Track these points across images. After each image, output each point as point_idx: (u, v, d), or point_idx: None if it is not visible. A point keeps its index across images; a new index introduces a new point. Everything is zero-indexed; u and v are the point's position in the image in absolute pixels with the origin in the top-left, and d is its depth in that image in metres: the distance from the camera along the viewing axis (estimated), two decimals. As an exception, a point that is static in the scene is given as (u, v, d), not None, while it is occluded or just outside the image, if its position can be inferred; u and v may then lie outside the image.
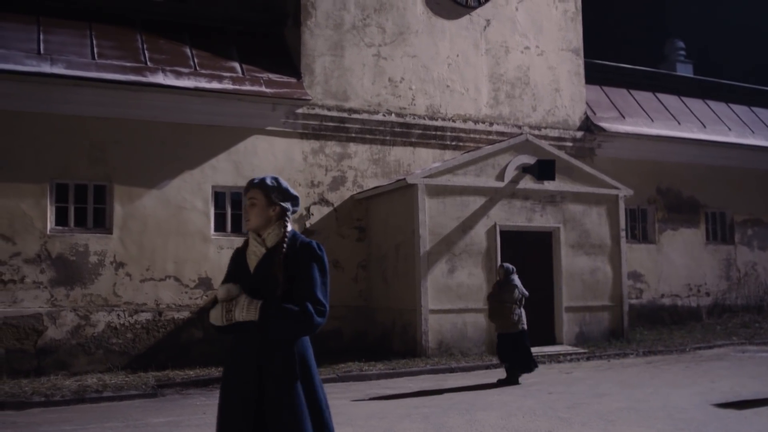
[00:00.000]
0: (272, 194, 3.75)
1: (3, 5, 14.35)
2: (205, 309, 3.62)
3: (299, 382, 3.57)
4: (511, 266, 11.91)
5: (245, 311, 3.58)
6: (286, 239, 3.68)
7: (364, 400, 10.19)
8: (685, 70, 24.91)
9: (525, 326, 11.51)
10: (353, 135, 16.00)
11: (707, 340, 16.56)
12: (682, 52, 25.84)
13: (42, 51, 13.93)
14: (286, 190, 3.80)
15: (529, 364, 11.36)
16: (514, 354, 11.32)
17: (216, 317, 3.68)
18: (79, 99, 13.88)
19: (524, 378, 11.70)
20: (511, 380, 11.31)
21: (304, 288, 3.58)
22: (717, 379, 11.33)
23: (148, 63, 14.65)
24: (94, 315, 13.72)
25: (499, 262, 14.87)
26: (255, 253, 3.75)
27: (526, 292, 11.79)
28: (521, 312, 11.55)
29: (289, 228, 3.77)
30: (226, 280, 3.80)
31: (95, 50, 14.46)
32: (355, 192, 15.84)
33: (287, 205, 3.80)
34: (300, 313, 3.50)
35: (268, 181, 3.78)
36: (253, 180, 3.82)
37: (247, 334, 3.65)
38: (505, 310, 11.42)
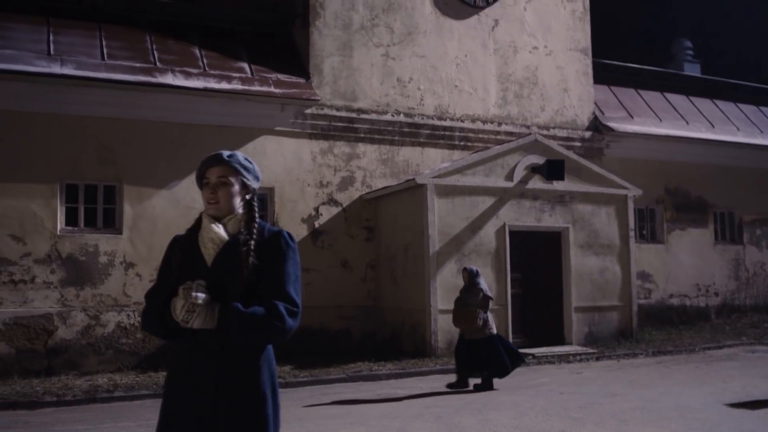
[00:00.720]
0: (248, 176, 3.23)
1: (13, 6, 14.38)
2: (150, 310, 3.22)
3: (265, 405, 3.04)
4: (475, 269, 11.53)
5: (206, 319, 2.98)
6: (255, 226, 3.15)
7: (375, 400, 10.19)
8: (692, 70, 24.87)
9: (493, 330, 11.08)
10: (362, 135, 16.01)
11: (717, 340, 16.53)
12: (690, 52, 25.81)
13: (52, 52, 13.96)
14: (257, 172, 3.30)
15: (502, 368, 10.82)
16: (474, 360, 10.81)
17: (180, 313, 2.99)
18: (88, 100, 13.90)
19: (535, 378, 11.70)
20: (486, 386, 10.82)
21: (275, 284, 3.06)
22: (728, 379, 11.31)
23: (158, 64, 14.67)
24: (104, 315, 13.75)
25: (508, 263, 14.87)
26: (213, 241, 3.14)
27: (491, 295, 11.38)
28: (488, 316, 11.07)
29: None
30: (168, 272, 3.20)
31: (105, 51, 14.49)
32: (363, 192, 15.85)
33: (256, 186, 3.29)
34: (270, 317, 2.96)
35: (242, 160, 3.23)
36: (220, 154, 3.21)
37: (203, 338, 3.05)
38: (470, 315, 10.95)
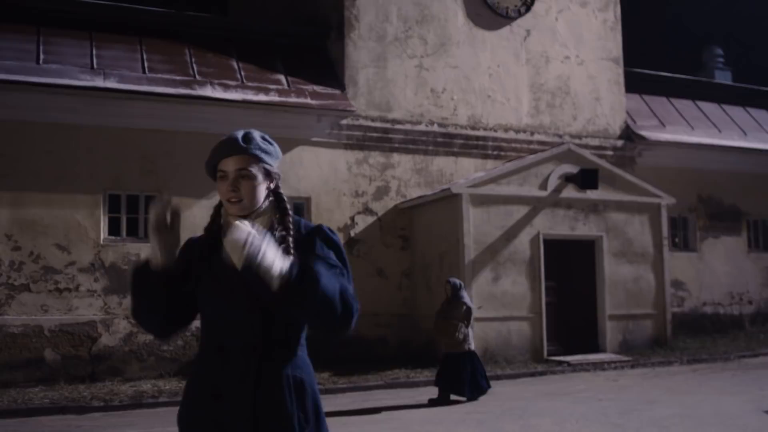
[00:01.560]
0: (271, 162, 2.68)
1: (58, 22, 14.76)
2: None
3: None
4: (458, 281, 11.12)
5: (278, 257, 2.39)
6: (290, 220, 2.66)
7: (415, 406, 10.37)
8: (723, 77, 24.82)
9: (472, 346, 10.73)
10: (396, 145, 16.22)
11: (751, 349, 16.52)
12: (721, 59, 25.76)
13: (95, 66, 14.33)
14: (278, 152, 2.73)
15: (473, 389, 10.43)
16: (455, 377, 10.34)
17: (237, 246, 2.37)
18: (130, 112, 14.25)
19: (572, 385, 11.80)
20: (442, 399, 10.44)
21: None
22: (765, 386, 11.36)
23: (197, 76, 15.00)
24: (146, 323, 14.01)
25: (543, 271, 15.00)
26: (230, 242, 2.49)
27: (474, 307, 11.10)
28: (468, 331, 10.70)
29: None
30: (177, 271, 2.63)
31: (146, 64, 14.84)
32: (398, 201, 16.05)
33: (279, 171, 2.74)
34: (342, 294, 2.44)
35: (261, 143, 2.67)
36: (235, 140, 2.63)
37: (234, 345, 2.55)
38: (451, 328, 10.54)
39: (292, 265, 2.41)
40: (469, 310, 10.70)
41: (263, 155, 2.65)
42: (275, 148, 2.72)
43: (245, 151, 2.62)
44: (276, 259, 2.38)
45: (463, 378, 10.34)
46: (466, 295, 10.95)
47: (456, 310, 10.63)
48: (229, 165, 2.63)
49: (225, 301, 2.59)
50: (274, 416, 2.52)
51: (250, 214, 2.64)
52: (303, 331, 2.64)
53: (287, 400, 2.53)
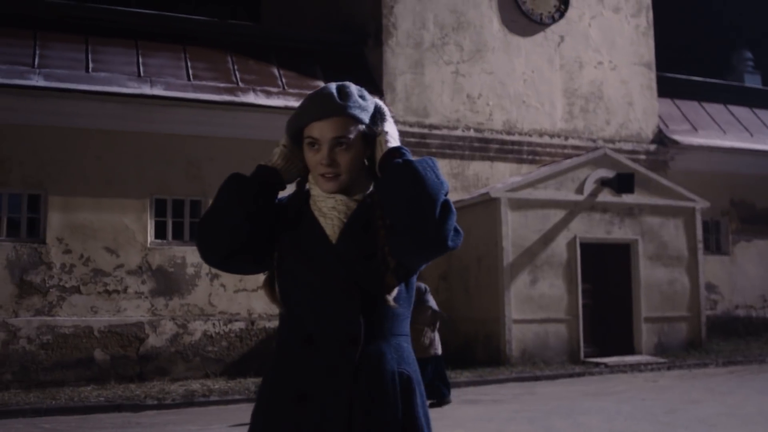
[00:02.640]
0: (368, 121, 2.22)
1: (104, 31, 15.17)
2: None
3: None
4: (423, 286, 10.67)
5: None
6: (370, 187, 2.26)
7: (463, 404, 10.63)
8: (753, 81, 24.90)
9: (438, 351, 10.43)
10: (434, 150, 16.49)
11: (786, 351, 16.65)
12: (751, 63, 25.84)
13: (142, 74, 14.72)
14: (377, 105, 2.28)
15: (439, 395, 10.17)
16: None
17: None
18: (176, 119, 14.62)
19: (612, 386, 12.03)
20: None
21: None
22: (805, 387, 11.54)
23: (240, 83, 15.35)
24: (191, 324, 14.40)
25: (579, 274, 15.21)
26: (337, 209, 2.21)
27: (440, 311, 10.75)
28: (435, 336, 10.44)
29: None
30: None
31: (190, 72, 15.22)
32: (435, 205, 16.28)
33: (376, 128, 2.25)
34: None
35: (359, 99, 2.21)
36: (331, 97, 2.18)
37: (326, 335, 2.15)
38: (416, 333, 9.80)
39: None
40: (435, 314, 10.39)
41: (363, 115, 2.19)
42: (371, 101, 2.26)
43: (343, 111, 2.16)
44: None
45: (435, 383, 10.06)
46: (431, 299, 10.63)
47: (421, 314, 10.14)
48: (324, 131, 2.16)
49: (316, 279, 2.15)
50: (375, 422, 2.08)
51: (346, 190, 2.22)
52: (407, 318, 2.26)
53: (392, 402, 2.09)
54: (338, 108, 2.15)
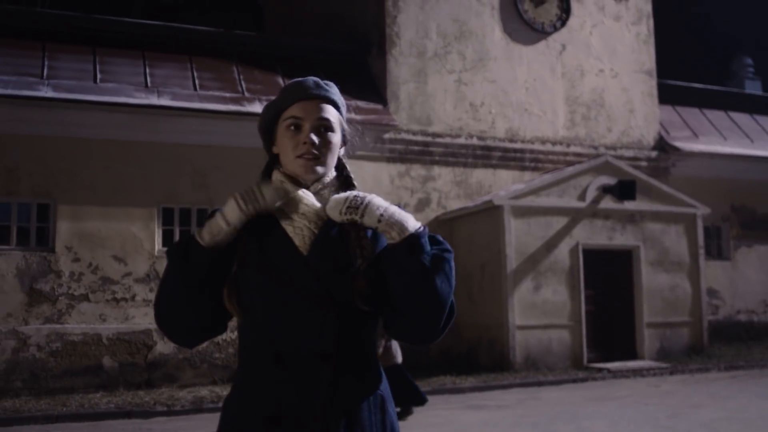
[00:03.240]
0: (344, 120, 2.22)
1: (111, 42, 15.37)
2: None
3: None
4: None
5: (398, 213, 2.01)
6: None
7: (468, 410, 10.79)
8: (753, 87, 25.06)
9: (398, 360, 10.00)
10: (437, 158, 16.68)
11: (787, 356, 16.79)
12: (751, 69, 26.01)
13: (149, 84, 14.91)
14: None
15: (406, 405, 9.78)
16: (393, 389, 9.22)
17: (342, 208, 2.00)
18: (183, 128, 14.80)
19: (615, 391, 12.17)
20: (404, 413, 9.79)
21: None
22: (806, 392, 11.69)
23: (245, 93, 15.54)
24: (199, 331, 14.53)
25: (582, 280, 15.37)
26: (307, 218, 2.07)
27: None
28: (392, 345, 9.96)
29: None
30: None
31: (196, 82, 15.41)
32: (439, 213, 16.50)
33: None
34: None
35: (337, 91, 2.22)
36: (317, 81, 2.17)
37: (298, 353, 2.00)
38: None
39: (423, 226, 2.03)
40: None
41: (342, 109, 2.19)
42: (344, 108, 2.22)
43: (328, 96, 2.14)
44: (405, 213, 2.02)
45: (399, 391, 9.31)
46: None
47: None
48: (308, 110, 2.10)
49: (286, 293, 2.00)
50: None
51: (315, 182, 2.12)
52: (375, 334, 2.14)
53: (370, 424, 2.01)
54: (323, 92, 2.13)
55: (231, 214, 2.03)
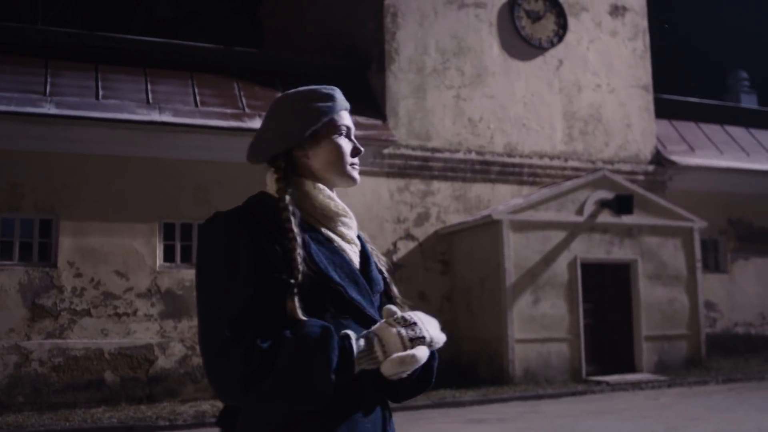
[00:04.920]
0: None
1: (113, 59, 15.53)
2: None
3: None
4: None
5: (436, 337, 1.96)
6: None
7: (468, 423, 10.88)
8: (749, 101, 25.25)
9: None
10: (436, 173, 16.82)
11: (785, 369, 16.88)
12: (746, 83, 26.21)
13: (150, 101, 15.06)
14: None
15: None
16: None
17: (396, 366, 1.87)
18: (185, 144, 14.94)
19: (614, 404, 12.25)
20: None
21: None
22: (803, 404, 11.79)
23: (246, 109, 15.70)
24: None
25: (580, 294, 15.48)
26: (351, 229, 2.11)
27: None
28: None
29: None
30: (263, 278, 1.89)
31: (198, 98, 15.56)
32: (438, 227, 16.62)
33: None
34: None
35: None
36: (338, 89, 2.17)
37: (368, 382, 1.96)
38: None
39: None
40: None
41: None
42: None
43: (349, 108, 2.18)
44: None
45: None
46: None
47: None
48: (350, 121, 2.17)
49: (363, 311, 1.98)
50: None
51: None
52: None
53: None
54: (345, 102, 2.17)
55: (392, 347, 1.88)
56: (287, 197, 1.97)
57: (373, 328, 1.90)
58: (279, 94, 2.31)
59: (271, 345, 1.78)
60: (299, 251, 1.88)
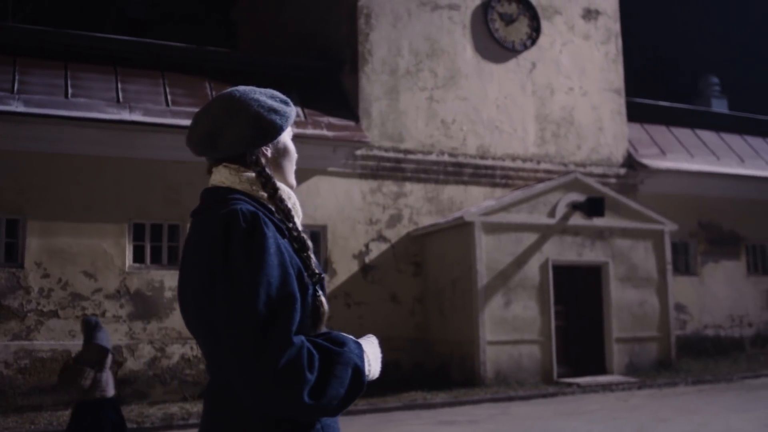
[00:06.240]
0: None
1: (83, 57, 15.35)
2: None
3: None
4: (94, 319, 8.51)
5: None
6: None
7: (439, 425, 10.86)
8: (720, 105, 25.50)
9: (108, 393, 8.05)
10: (409, 174, 16.80)
11: (753, 370, 17.02)
12: (717, 87, 26.47)
13: (121, 99, 14.90)
14: None
15: None
16: (93, 427, 7.88)
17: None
18: (155, 144, 14.79)
19: (585, 405, 12.29)
20: None
21: None
22: (770, 405, 11.89)
23: (218, 109, 15.55)
24: (169, 347, 14.51)
25: (552, 296, 15.52)
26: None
27: (109, 351, 8.19)
28: (103, 375, 8.04)
29: None
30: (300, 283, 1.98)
31: (169, 98, 15.42)
32: (411, 229, 16.60)
33: None
34: None
35: None
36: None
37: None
38: (74, 373, 7.90)
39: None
40: (103, 351, 8.11)
41: None
42: None
43: None
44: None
45: (103, 428, 7.97)
46: (102, 336, 8.37)
47: (87, 353, 8.14)
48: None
49: None
50: None
51: None
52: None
53: None
54: None
55: (375, 367, 2.06)
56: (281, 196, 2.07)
57: (365, 346, 2.02)
58: (229, 90, 2.22)
59: (321, 355, 1.86)
60: (311, 251, 2.01)
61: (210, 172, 2.22)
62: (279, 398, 1.79)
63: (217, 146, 2.13)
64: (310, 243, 2.04)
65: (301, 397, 1.79)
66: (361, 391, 1.92)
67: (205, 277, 1.92)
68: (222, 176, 2.13)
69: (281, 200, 2.07)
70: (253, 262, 1.86)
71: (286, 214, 2.06)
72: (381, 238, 16.47)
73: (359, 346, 1.97)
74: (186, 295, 2.05)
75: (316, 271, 2.01)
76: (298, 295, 1.89)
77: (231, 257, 1.87)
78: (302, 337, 1.85)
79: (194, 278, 1.97)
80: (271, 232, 1.92)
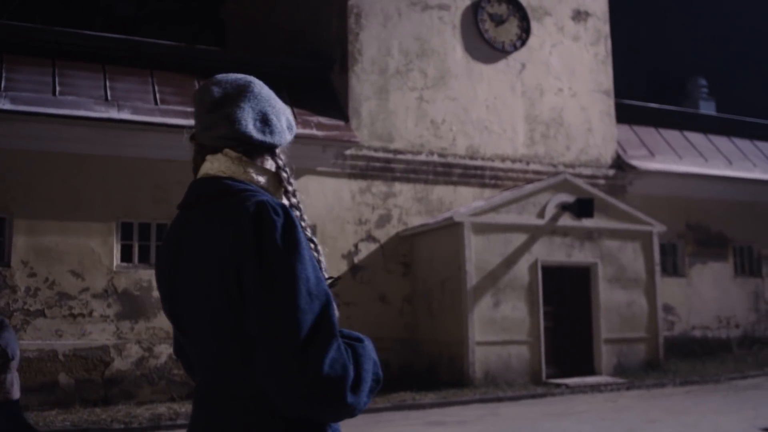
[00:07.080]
0: None
1: (72, 55, 15.25)
2: None
3: None
4: (1, 318, 8.13)
5: None
6: None
7: (428, 426, 10.83)
8: (708, 107, 25.60)
9: (14, 395, 7.84)
10: (398, 175, 16.77)
11: (740, 371, 17.08)
12: (705, 90, 26.58)
13: (109, 98, 14.81)
14: None
15: None
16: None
17: None
18: (143, 142, 14.71)
19: (573, 406, 12.29)
20: None
21: None
22: (758, 406, 11.92)
23: (207, 108, 15.48)
24: (157, 347, 14.43)
25: (541, 297, 15.52)
26: None
27: (15, 352, 7.87)
28: (6, 378, 7.76)
29: None
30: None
31: (157, 96, 15.34)
32: (400, 229, 16.57)
33: None
34: None
35: None
36: None
37: None
38: None
39: None
40: (4, 352, 7.77)
41: None
42: None
43: None
44: None
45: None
46: (7, 336, 8.01)
47: None
48: None
49: None
50: None
51: None
52: None
53: None
54: None
55: None
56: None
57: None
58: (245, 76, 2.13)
59: (352, 351, 1.84)
60: (322, 256, 1.98)
61: (199, 161, 2.06)
62: (326, 395, 1.74)
63: (234, 122, 1.97)
64: (321, 247, 1.98)
65: (344, 394, 1.75)
66: (380, 384, 1.89)
67: (228, 276, 1.81)
68: (222, 165, 1.98)
69: (296, 197, 1.99)
70: (291, 256, 1.78)
71: (301, 214, 1.99)
72: (370, 238, 16.44)
73: (370, 340, 1.94)
74: (193, 293, 1.92)
75: (326, 275, 1.94)
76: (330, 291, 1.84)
77: (265, 254, 1.78)
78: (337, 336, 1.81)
79: (212, 277, 1.84)
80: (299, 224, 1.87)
